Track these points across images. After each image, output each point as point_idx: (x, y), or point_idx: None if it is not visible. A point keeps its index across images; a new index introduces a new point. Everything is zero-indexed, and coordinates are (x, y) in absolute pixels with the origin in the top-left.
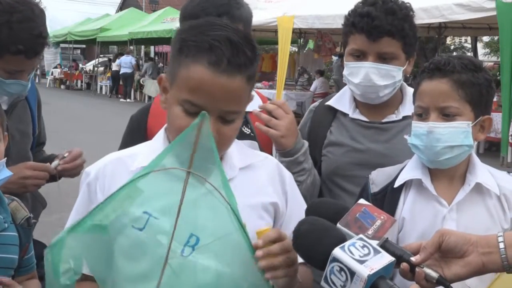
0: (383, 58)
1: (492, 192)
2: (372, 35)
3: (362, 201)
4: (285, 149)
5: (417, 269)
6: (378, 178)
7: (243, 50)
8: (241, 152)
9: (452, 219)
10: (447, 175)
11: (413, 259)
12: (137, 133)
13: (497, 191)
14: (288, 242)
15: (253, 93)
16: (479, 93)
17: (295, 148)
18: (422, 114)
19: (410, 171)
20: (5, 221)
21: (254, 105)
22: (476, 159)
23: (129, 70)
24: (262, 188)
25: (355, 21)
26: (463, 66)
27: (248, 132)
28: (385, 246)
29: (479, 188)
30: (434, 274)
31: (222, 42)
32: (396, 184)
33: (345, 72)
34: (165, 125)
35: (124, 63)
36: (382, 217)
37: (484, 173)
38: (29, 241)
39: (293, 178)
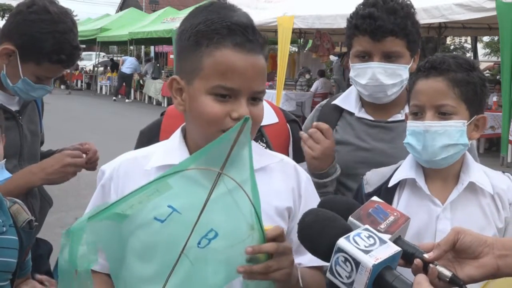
0: (388, 57)
1: (486, 191)
2: (376, 35)
3: (375, 198)
4: (315, 171)
5: (430, 265)
6: (372, 178)
7: (258, 31)
8: (257, 153)
9: (446, 218)
10: (441, 174)
11: (426, 255)
12: None
13: (490, 190)
14: (284, 246)
15: (267, 105)
16: (473, 92)
17: (327, 173)
18: (417, 113)
19: (404, 170)
20: (4, 225)
21: (268, 119)
22: (470, 159)
23: (128, 71)
24: (277, 192)
25: (358, 23)
26: (458, 65)
27: (264, 147)
28: (398, 243)
29: (472, 187)
30: (447, 273)
31: (239, 25)
32: (390, 184)
33: (351, 74)
34: (182, 125)
35: (129, 63)
36: (395, 214)
37: (477, 172)
38: (31, 243)
39: (310, 180)
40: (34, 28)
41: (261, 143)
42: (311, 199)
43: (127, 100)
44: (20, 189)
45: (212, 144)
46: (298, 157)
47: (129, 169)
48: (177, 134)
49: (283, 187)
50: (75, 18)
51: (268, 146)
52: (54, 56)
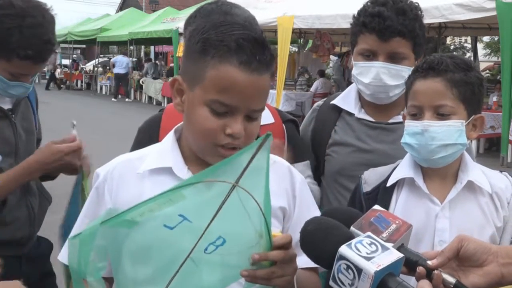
0: (393, 58)
1: (484, 190)
2: (383, 35)
3: (377, 207)
4: None
5: (435, 271)
6: (371, 177)
7: (268, 48)
8: None
9: (445, 217)
10: (440, 174)
11: (429, 262)
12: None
13: (489, 189)
14: (290, 254)
15: None
16: (471, 92)
17: None
18: (416, 114)
19: (402, 170)
20: None
21: (264, 119)
22: (468, 158)
23: (122, 71)
24: (271, 192)
25: (366, 21)
26: (456, 66)
27: None
28: (401, 251)
29: (471, 186)
30: (451, 279)
31: (249, 41)
32: (389, 183)
33: (354, 72)
34: (176, 126)
35: (120, 63)
36: (397, 222)
37: (476, 171)
38: None
39: (305, 182)
40: (0, 24)
41: None
42: (306, 200)
43: (127, 100)
44: (20, 182)
45: (232, 157)
46: (293, 158)
47: (124, 171)
48: (170, 136)
49: (276, 187)
50: (53, 13)
51: None
52: (21, 51)
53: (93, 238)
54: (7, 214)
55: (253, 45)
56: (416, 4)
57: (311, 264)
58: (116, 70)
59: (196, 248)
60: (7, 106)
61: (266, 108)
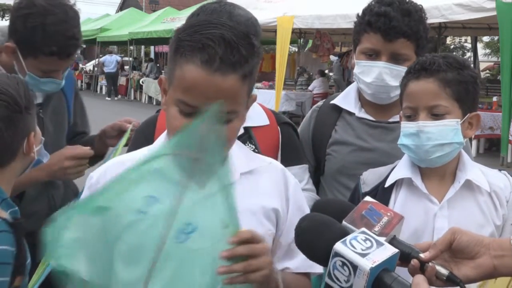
0: (396, 59)
1: (482, 189)
2: (388, 35)
3: (368, 198)
4: None
5: (429, 264)
6: (369, 178)
7: (237, 48)
8: (246, 157)
9: (444, 216)
10: (438, 173)
11: (422, 255)
12: (144, 147)
13: (487, 188)
14: (260, 247)
15: (259, 107)
16: (465, 91)
17: None
18: (411, 115)
19: (401, 170)
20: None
21: (258, 120)
22: (466, 157)
23: (113, 70)
24: (264, 193)
25: (371, 20)
26: (448, 65)
27: (252, 149)
28: (393, 243)
29: (469, 185)
30: (444, 271)
31: (216, 40)
32: (387, 183)
33: (356, 71)
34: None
35: (109, 62)
36: (388, 214)
37: (474, 170)
38: None
39: (299, 185)
40: (24, 23)
41: (249, 144)
42: (300, 204)
43: (116, 98)
44: (30, 182)
45: (184, 132)
46: (287, 160)
47: (116, 172)
48: (162, 138)
49: (270, 189)
50: (77, 8)
51: (256, 148)
52: (46, 48)
53: (62, 226)
54: (25, 207)
55: (219, 44)
56: (420, 6)
57: (302, 269)
58: (106, 70)
59: (169, 237)
60: (38, 100)
61: (261, 109)
